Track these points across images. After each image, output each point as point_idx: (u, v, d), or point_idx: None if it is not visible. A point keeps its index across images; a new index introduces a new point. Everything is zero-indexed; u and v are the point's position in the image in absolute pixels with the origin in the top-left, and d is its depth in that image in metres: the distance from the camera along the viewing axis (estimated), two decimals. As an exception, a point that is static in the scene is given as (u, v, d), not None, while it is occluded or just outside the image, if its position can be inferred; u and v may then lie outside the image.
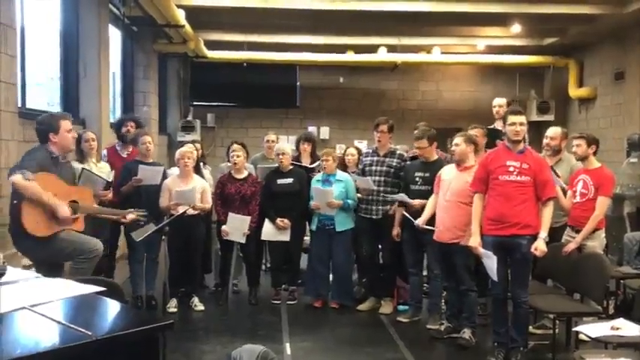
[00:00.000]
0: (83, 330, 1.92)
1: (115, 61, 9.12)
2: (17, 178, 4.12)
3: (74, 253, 4.40)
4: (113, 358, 1.97)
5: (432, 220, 5.40)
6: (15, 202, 4.25)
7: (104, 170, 5.80)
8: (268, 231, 6.29)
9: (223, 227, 6.15)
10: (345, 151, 7.00)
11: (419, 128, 5.97)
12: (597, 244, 5.23)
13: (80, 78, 7.41)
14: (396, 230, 5.89)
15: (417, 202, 5.58)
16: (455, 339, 5.25)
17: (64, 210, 4.31)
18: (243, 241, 6.17)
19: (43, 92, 7.34)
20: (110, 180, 5.58)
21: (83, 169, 5.31)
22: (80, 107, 7.41)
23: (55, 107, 7.18)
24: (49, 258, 4.41)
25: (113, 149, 6.47)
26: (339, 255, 6.27)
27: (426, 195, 5.58)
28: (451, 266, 5.31)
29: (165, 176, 6.17)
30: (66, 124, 4.46)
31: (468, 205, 4.95)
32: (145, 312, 5.61)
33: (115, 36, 8.90)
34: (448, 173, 5.37)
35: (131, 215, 5.17)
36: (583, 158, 5.35)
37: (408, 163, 6.01)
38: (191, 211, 5.86)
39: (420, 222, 5.41)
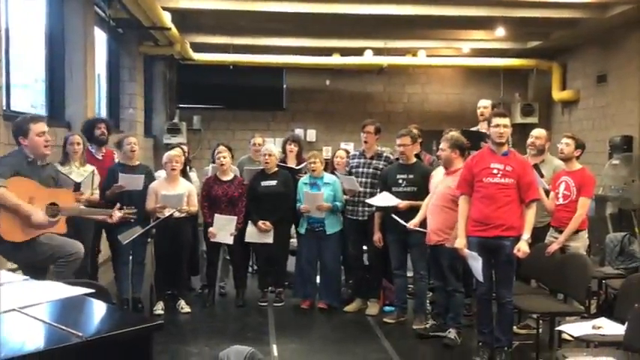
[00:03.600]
0: (73, 331, 1.93)
1: (101, 63, 9.07)
2: None
3: (54, 256, 4.33)
4: (103, 359, 1.98)
5: (422, 223, 5.46)
6: None
7: (85, 173, 5.70)
8: (251, 233, 6.32)
9: (210, 229, 6.16)
10: (336, 153, 7.02)
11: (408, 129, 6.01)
12: (580, 244, 5.31)
13: (66, 80, 7.37)
14: (376, 235, 5.92)
15: (404, 203, 5.59)
16: (440, 339, 5.30)
17: (39, 216, 4.25)
18: (230, 241, 6.18)
19: (28, 94, 7.29)
20: (79, 181, 5.51)
21: None
22: (66, 109, 7.35)
23: (40, 109, 7.14)
24: (28, 261, 4.37)
25: (87, 152, 6.40)
26: (328, 257, 6.29)
27: (412, 196, 5.63)
28: (438, 267, 5.36)
29: (152, 178, 6.15)
30: (36, 127, 4.34)
31: (450, 209, 5.02)
32: (133, 313, 5.58)
33: (100, 38, 8.85)
34: (437, 177, 5.45)
35: (118, 214, 4.88)
36: (566, 159, 5.44)
37: (387, 167, 6.01)
38: (177, 214, 5.86)
39: (411, 224, 5.44)
